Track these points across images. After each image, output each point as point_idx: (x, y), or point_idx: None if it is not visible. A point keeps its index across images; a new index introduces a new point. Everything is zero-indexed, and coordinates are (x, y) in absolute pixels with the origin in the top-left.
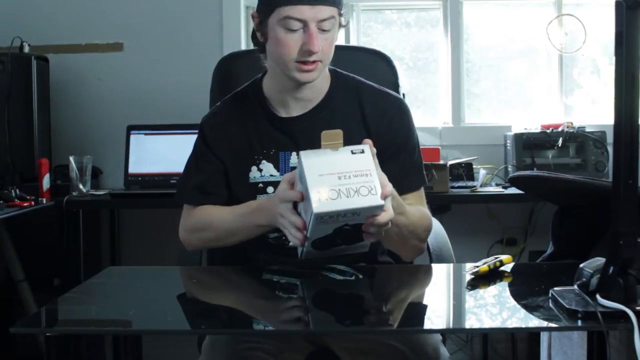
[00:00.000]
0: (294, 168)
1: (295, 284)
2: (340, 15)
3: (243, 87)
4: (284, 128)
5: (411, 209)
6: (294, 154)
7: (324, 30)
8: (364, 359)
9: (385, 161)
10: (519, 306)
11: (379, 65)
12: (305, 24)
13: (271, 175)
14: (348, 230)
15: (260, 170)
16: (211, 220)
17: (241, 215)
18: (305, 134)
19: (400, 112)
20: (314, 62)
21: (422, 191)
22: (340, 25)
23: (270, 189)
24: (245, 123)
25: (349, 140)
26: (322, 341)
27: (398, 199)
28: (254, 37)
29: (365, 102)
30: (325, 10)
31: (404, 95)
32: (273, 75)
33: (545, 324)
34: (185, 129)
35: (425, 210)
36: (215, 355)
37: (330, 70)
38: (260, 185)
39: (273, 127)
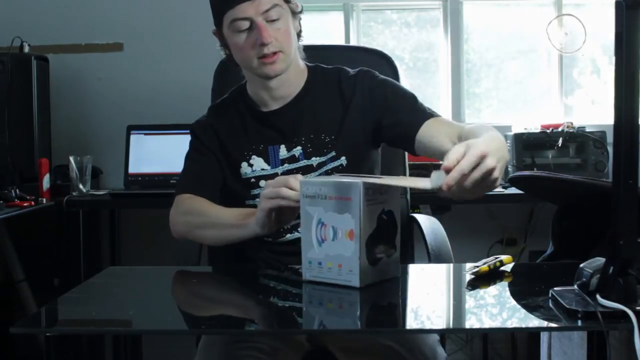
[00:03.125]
0: (283, 160)
1: (294, 284)
2: (287, 2)
3: (228, 92)
4: (268, 122)
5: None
6: (282, 146)
7: (272, 21)
8: (361, 359)
9: (391, 116)
10: (519, 306)
11: (380, 65)
12: (251, 20)
13: (262, 170)
14: (386, 221)
15: (250, 165)
16: (201, 209)
17: (230, 211)
18: (290, 125)
19: (373, 76)
20: (274, 53)
21: (444, 118)
22: (294, 13)
23: (262, 183)
24: (232, 122)
25: (334, 122)
26: (319, 341)
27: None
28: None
29: (343, 84)
30: (266, 1)
31: None
32: (249, 80)
33: (545, 324)
34: (185, 129)
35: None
36: (211, 354)
37: (310, 66)
38: (253, 180)
39: (258, 123)
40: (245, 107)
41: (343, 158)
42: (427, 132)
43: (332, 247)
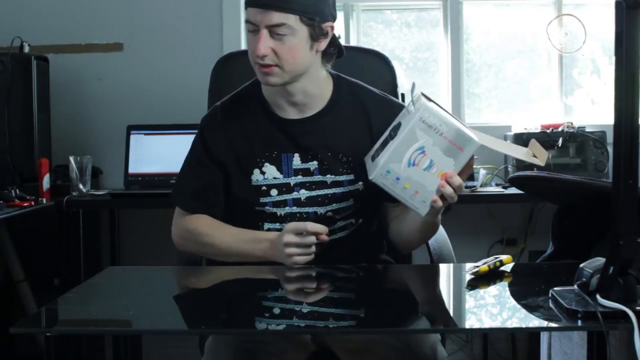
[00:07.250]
0: (297, 171)
1: (296, 284)
2: (308, 25)
3: (242, 87)
4: (284, 129)
5: None
6: (296, 155)
7: (278, 35)
8: (363, 359)
9: None
10: (519, 306)
11: (377, 65)
12: (258, 26)
13: (274, 178)
14: None
15: (263, 173)
16: (212, 238)
17: (244, 241)
18: (306, 137)
19: None
20: (269, 65)
21: None
22: (321, 34)
23: (274, 192)
24: (246, 124)
25: (355, 147)
26: (322, 341)
27: None
28: None
29: (371, 110)
30: (275, 16)
31: (403, 95)
32: None
33: (545, 324)
34: (185, 129)
35: None
36: (217, 354)
37: (333, 76)
38: (264, 188)
39: (274, 127)
40: (259, 107)
41: (360, 183)
42: None
43: (420, 175)
